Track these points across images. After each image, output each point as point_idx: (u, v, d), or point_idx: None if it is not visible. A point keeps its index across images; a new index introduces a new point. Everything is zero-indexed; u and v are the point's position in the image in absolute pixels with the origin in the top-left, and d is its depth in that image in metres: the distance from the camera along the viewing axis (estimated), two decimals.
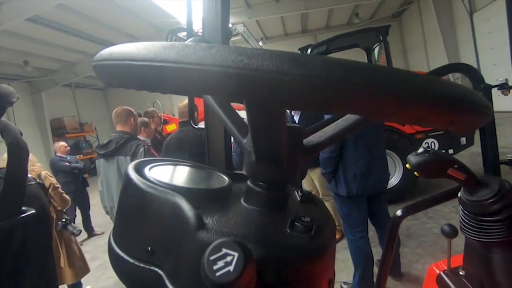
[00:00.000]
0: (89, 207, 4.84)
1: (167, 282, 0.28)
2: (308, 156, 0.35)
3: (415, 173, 0.64)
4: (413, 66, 12.27)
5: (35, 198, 0.55)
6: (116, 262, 0.33)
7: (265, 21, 10.33)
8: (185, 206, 0.29)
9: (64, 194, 2.61)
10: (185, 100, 2.52)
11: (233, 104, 0.40)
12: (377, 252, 2.36)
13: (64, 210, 2.64)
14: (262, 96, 0.16)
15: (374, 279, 1.57)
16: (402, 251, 2.64)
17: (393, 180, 3.82)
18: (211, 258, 0.17)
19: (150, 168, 0.37)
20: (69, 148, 4.81)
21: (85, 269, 2.67)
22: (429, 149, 0.61)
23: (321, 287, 0.29)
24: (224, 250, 0.17)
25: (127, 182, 0.33)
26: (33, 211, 0.51)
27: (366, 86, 0.15)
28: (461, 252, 0.80)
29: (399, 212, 0.80)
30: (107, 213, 2.55)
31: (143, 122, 2.95)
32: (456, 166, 0.59)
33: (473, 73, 0.92)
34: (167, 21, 7.42)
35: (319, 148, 0.35)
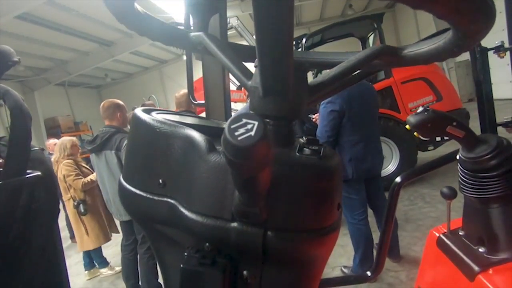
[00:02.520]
0: None
1: (180, 208, 0.29)
2: (313, 95, 0.35)
3: (415, 133, 0.65)
4: None
5: (39, 162, 0.55)
6: (128, 199, 0.33)
7: None
8: (195, 134, 0.29)
9: (75, 180, 2.91)
10: (182, 90, 2.51)
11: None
12: (377, 237, 2.39)
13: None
14: None
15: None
16: (401, 234, 2.67)
17: (390, 167, 3.86)
18: (232, 126, 0.17)
19: (157, 113, 0.38)
20: None
21: (106, 237, 3.02)
22: (428, 108, 0.62)
23: (330, 207, 0.30)
24: (244, 120, 0.18)
25: (136, 121, 0.34)
26: (39, 173, 0.51)
27: None
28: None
29: (398, 179, 0.81)
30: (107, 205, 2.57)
31: None
32: (455, 123, 0.60)
33: None
34: (159, 16, 7.33)
35: (323, 86, 0.35)
